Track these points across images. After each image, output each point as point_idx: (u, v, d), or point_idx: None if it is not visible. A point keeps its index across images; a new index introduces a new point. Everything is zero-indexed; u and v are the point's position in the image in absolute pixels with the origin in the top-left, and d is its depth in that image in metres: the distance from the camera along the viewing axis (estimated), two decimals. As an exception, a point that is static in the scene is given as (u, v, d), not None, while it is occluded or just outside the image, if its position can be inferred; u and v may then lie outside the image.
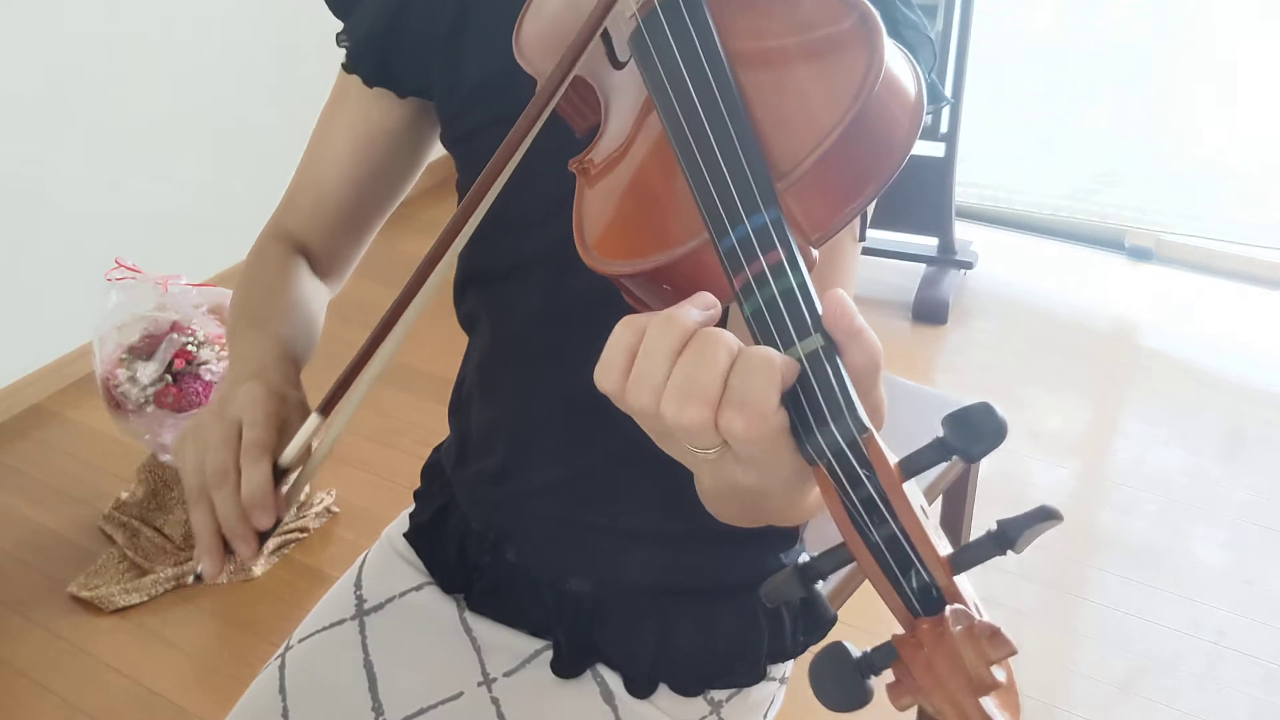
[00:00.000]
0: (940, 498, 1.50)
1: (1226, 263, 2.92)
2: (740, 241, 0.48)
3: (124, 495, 2.16)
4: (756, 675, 0.93)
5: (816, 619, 0.95)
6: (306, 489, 2.21)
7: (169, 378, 1.91)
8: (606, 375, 0.48)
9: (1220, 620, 1.91)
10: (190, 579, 0.69)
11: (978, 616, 0.42)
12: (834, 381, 0.45)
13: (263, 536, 0.71)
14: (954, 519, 1.56)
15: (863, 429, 0.44)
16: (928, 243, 2.83)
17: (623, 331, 0.48)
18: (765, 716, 0.98)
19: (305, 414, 0.76)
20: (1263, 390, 2.51)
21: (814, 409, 0.45)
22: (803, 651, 0.96)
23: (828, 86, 0.51)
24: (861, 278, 3.11)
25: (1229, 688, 1.78)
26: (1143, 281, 2.94)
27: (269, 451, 0.71)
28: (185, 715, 1.78)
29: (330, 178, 0.94)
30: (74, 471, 2.30)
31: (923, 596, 0.43)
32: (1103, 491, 2.23)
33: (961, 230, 2.86)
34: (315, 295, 0.94)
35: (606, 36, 0.62)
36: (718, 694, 0.93)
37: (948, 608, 0.42)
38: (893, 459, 0.44)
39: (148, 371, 1.90)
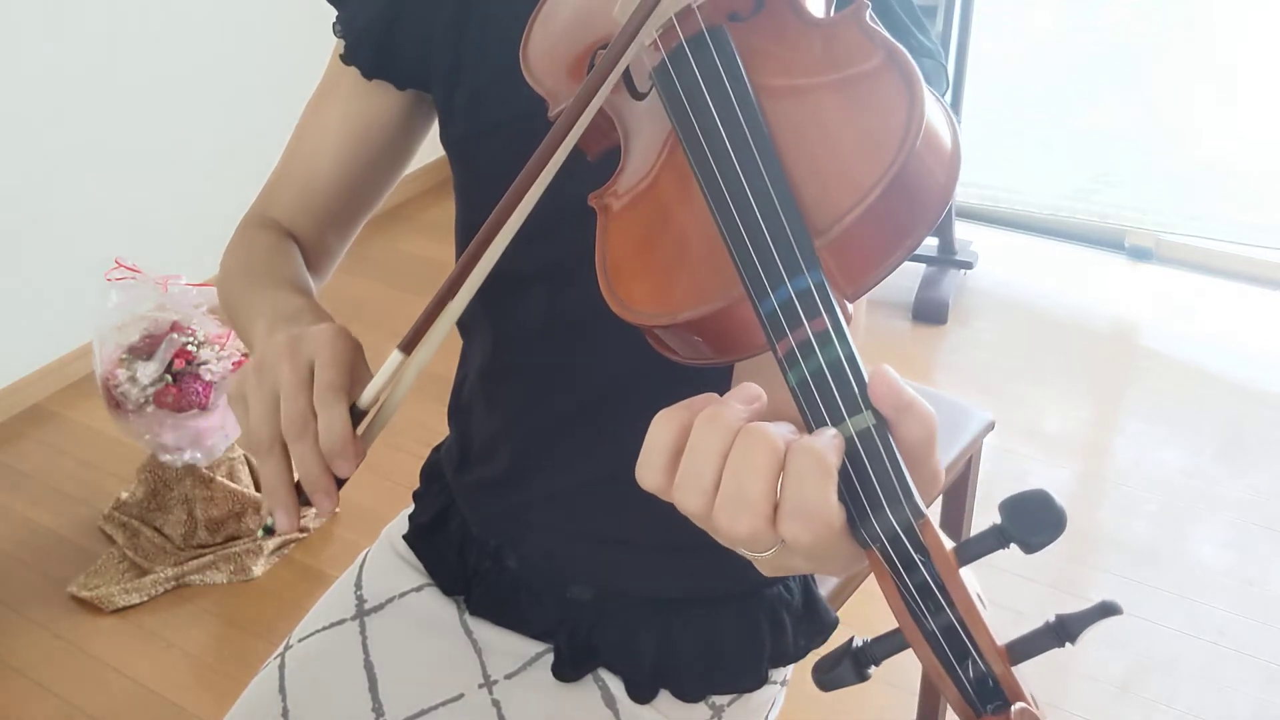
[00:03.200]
0: (940, 498, 1.50)
1: (1226, 263, 2.92)
2: (782, 305, 0.46)
3: (124, 495, 2.16)
4: (758, 680, 0.93)
5: (818, 623, 0.95)
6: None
7: (169, 378, 1.91)
8: (650, 474, 0.46)
9: (1220, 620, 1.91)
10: (259, 534, 0.62)
11: (1040, 716, 0.41)
12: (887, 463, 0.43)
13: (339, 485, 0.66)
14: (954, 519, 1.56)
15: (919, 514, 0.42)
16: (928, 243, 2.82)
17: (661, 431, 0.46)
18: (766, 719, 0.97)
19: (363, 358, 0.71)
20: (1263, 390, 2.51)
21: (868, 493, 0.43)
22: (804, 655, 0.95)
23: (867, 140, 0.48)
24: (862, 278, 3.03)
25: (1229, 688, 1.78)
26: (1143, 281, 2.93)
27: (346, 394, 0.65)
28: (185, 715, 1.78)
29: (322, 168, 0.90)
30: (74, 471, 2.30)
31: (979, 686, 0.42)
32: (1103, 491, 2.23)
33: (961, 230, 2.86)
34: (309, 278, 0.91)
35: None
36: (719, 698, 0.92)
37: (1013, 707, 0.41)
38: (949, 544, 0.43)
39: (148, 371, 1.90)
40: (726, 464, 0.44)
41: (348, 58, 0.86)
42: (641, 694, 0.91)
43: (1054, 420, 2.43)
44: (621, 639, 0.92)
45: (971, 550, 0.43)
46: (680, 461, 0.45)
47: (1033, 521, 0.42)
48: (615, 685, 0.92)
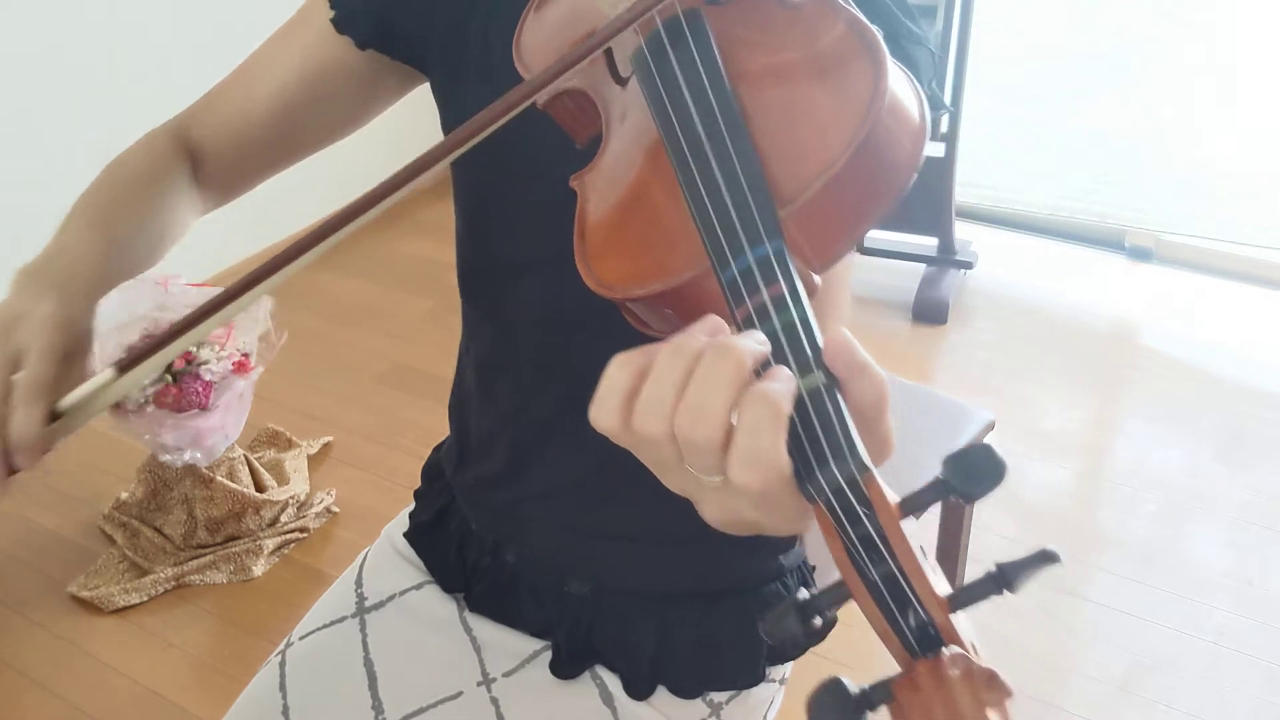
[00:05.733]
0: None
1: (1226, 263, 2.92)
2: (741, 273, 0.47)
3: (124, 495, 2.16)
4: (756, 677, 0.93)
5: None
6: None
7: (169, 378, 1.91)
8: (605, 415, 0.46)
9: (1220, 620, 1.91)
10: None
11: (976, 659, 0.41)
12: (834, 420, 0.44)
13: (12, 473, 0.67)
14: (954, 519, 1.56)
15: (863, 468, 0.43)
16: (928, 243, 2.83)
17: (619, 372, 0.46)
18: (765, 718, 0.97)
19: (89, 349, 0.73)
20: (1263, 390, 2.51)
21: (814, 448, 0.44)
22: (803, 653, 0.96)
23: (833, 112, 0.50)
24: (861, 278, 3.11)
25: (1229, 688, 1.78)
26: (1143, 281, 2.94)
27: (47, 393, 0.66)
28: (185, 715, 1.78)
29: (267, 91, 0.87)
30: (74, 471, 2.30)
31: (920, 635, 0.43)
32: (1103, 491, 2.23)
33: (961, 230, 2.86)
34: (184, 208, 0.86)
35: (609, 50, 0.61)
36: (717, 696, 0.93)
37: (945, 650, 0.42)
38: (893, 498, 0.44)
39: (148, 371, 1.90)
40: (691, 380, 0.44)
41: (341, 27, 0.84)
42: (639, 691, 0.91)
43: (1054, 420, 2.43)
44: (619, 635, 0.92)
45: (915, 503, 0.44)
46: (635, 402, 0.46)
47: (973, 473, 0.43)
48: (613, 683, 0.92)
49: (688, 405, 0.44)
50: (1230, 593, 1.96)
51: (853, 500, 0.44)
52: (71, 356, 0.69)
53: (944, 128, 2.61)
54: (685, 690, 0.91)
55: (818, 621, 0.45)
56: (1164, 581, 1.99)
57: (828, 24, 0.54)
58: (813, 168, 0.49)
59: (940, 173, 2.66)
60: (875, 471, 0.44)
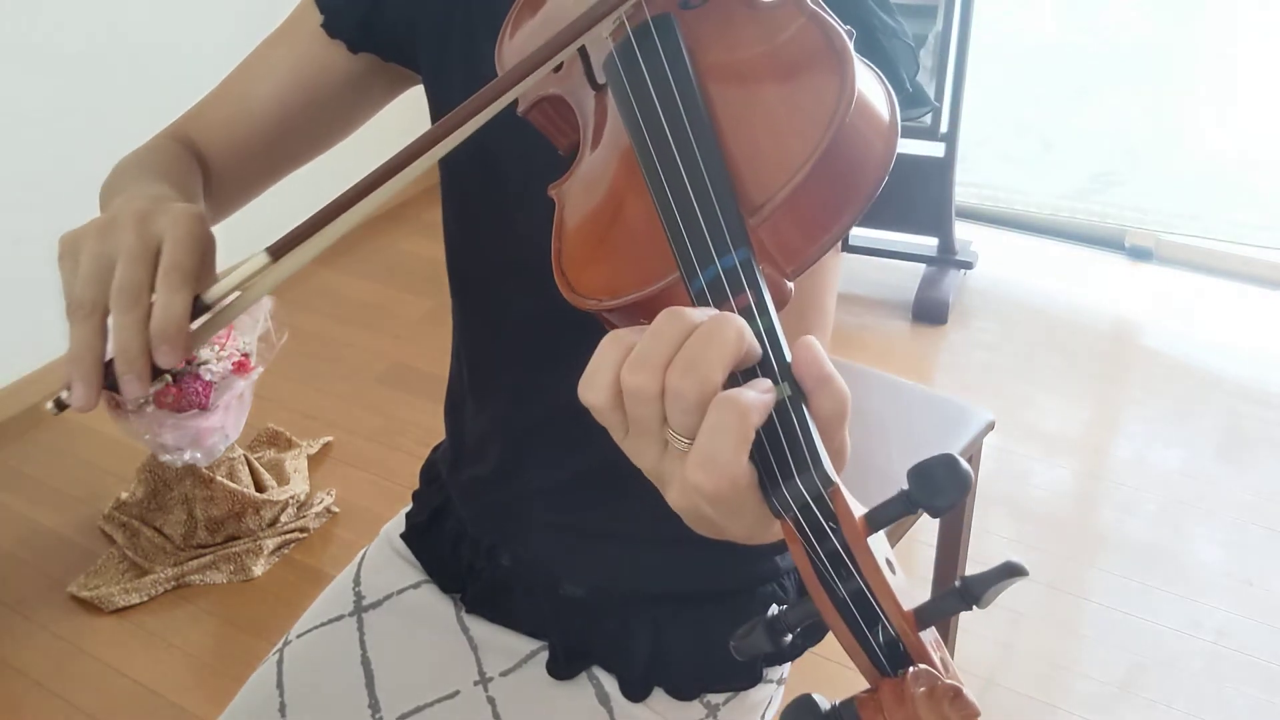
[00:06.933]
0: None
1: (1226, 263, 2.92)
2: (710, 284, 0.47)
3: (124, 495, 2.16)
4: (753, 678, 0.93)
5: (813, 621, 0.95)
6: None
7: (169, 377, 1.91)
8: (593, 391, 0.46)
9: (1220, 620, 1.91)
10: (49, 405, 0.52)
11: (942, 676, 0.41)
12: (800, 433, 0.44)
13: (156, 376, 0.61)
14: (953, 519, 1.56)
15: (828, 482, 0.43)
16: (928, 243, 2.83)
17: (612, 347, 0.45)
18: (763, 718, 0.97)
19: (215, 256, 0.66)
20: (1263, 390, 2.51)
21: (780, 462, 0.44)
22: (800, 654, 0.95)
23: (799, 117, 0.50)
24: (861, 278, 3.10)
25: (1229, 688, 1.78)
26: (1143, 281, 2.94)
27: (193, 281, 0.61)
28: (185, 715, 1.78)
29: (260, 95, 0.86)
30: (74, 471, 2.30)
31: (889, 651, 0.43)
32: (1103, 491, 2.23)
33: (961, 230, 2.86)
34: (201, 196, 0.83)
35: (585, 56, 0.61)
36: (714, 697, 0.92)
37: (910, 668, 0.41)
38: (859, 511, 0.43)
39: (147, 371, 1.89)
40: (689, 339, 0.44)
41: (332, 32, 0.84)
42: (635, 692, 0.91)
43: (1054, 420, 2.43)
44: (615, 636, 0.92)
45: (880, 517, 0.43)
46: (626, 368, 0.45)
47: (937, 485, 0.42)
48: (610, 683, 0.92)
49: (683, 356, 0.43)
50: (1230, 593, 1.96)
51: (819, 515, 0.43)
52: (206, 259, 0.63)
53: (944, 127, 2.61)
54: (682, 691, 0.91)
55: (787, 638, 0.45)
56: (1164, 581, 1.99)
57: (794, 29, 0.53)
58: (780, 175, 0.48)
59: (940, 173, 2.66)
60: (841, 485, 0.43)
